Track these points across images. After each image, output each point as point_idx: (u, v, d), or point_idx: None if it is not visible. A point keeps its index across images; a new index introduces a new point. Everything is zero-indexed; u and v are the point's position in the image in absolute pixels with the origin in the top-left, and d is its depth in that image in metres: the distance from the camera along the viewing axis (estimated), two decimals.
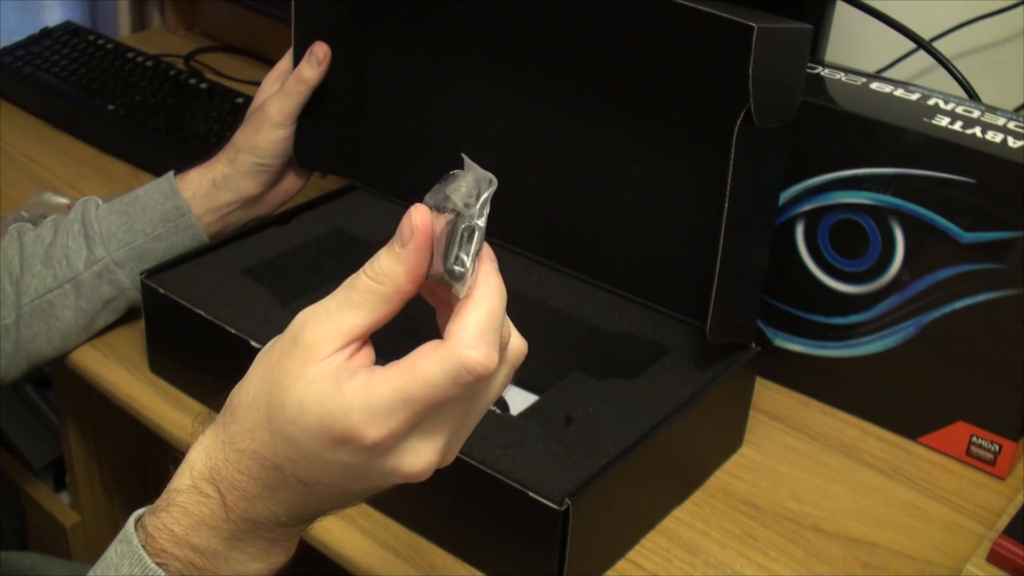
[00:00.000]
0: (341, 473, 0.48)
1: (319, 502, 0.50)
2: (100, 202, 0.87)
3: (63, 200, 1.05)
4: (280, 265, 0.87)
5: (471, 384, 0.46)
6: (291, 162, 0.92)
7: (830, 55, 0.95)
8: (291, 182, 0.94)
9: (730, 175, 0.68)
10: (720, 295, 0.71)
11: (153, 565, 0.49)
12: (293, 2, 0.88)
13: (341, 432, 0.46)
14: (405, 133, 0.95)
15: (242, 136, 0.91)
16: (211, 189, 0.89)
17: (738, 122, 0.67)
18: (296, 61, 0.90)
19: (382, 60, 0.94)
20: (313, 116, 0.91)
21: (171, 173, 0.89)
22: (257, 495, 0.49)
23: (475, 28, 0.87)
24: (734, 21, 0.64)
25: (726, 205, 0.68)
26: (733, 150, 0.67)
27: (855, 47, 1.03)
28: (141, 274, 0.83)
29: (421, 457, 0.48)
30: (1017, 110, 0.96)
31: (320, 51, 0.89)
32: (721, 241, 0.69)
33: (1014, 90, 0.99)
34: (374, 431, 0.46)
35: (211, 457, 0.50)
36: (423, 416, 0.47)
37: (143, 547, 0.50)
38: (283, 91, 0.90)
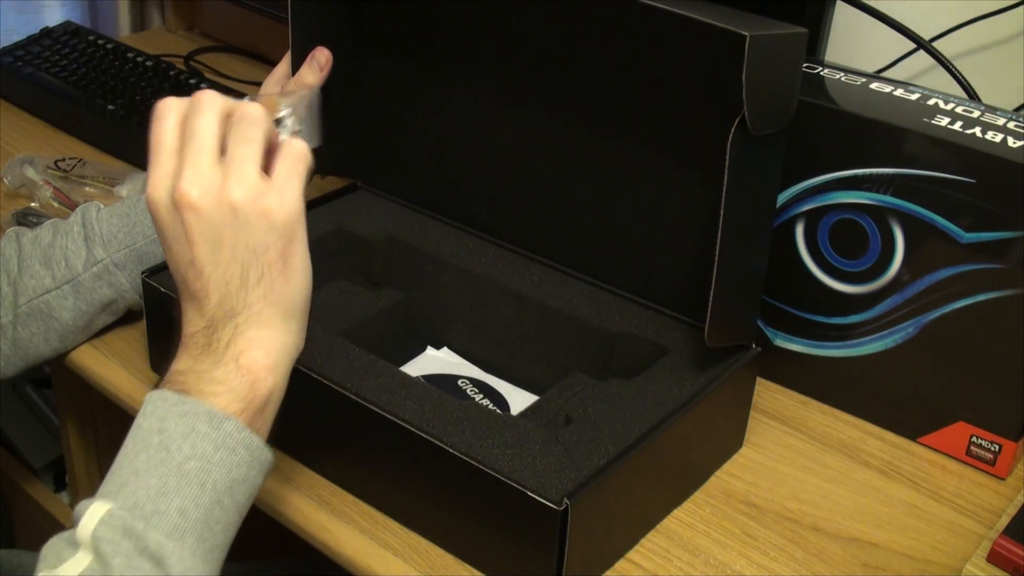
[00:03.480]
0: (177, 235, 0.61)
1: (219, 293, 0.61)
2: (101, 206, 0.87)
3: (37, 178, 1.07)
4: None
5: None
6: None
7: (830, 55, 0.95)
8: None
9: (725, 184, 0.68)
10: (717, 301, 0.71)
11: (153, 389, 0.61)
12: (290, 6, 0.87)
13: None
14: (406, 133, 0.95)
15: None
16: None
17: (732, 130, 0.67)
18: (295, 66, 0.90)
19: (381, 62, 0.94)
20: None
21: None
22: (187, 317, 0.62)
23: (473, 32, 0.87)
24: (727, 30, 0.64)
25: (722, 213, 0.68)
26: (727, 158, 0.67)
27: (855, 47, 1.03)
28: (143, 273, 0.83)
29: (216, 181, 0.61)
30: (1017, 110, 0.96)
31: (322, 56, 0.89)
32: (718, 248, 0.69)
33: (1014, 90, 0.99)
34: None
35: None
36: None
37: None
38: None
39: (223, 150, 0.62)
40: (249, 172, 0.61)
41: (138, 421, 0.59)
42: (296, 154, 0.63)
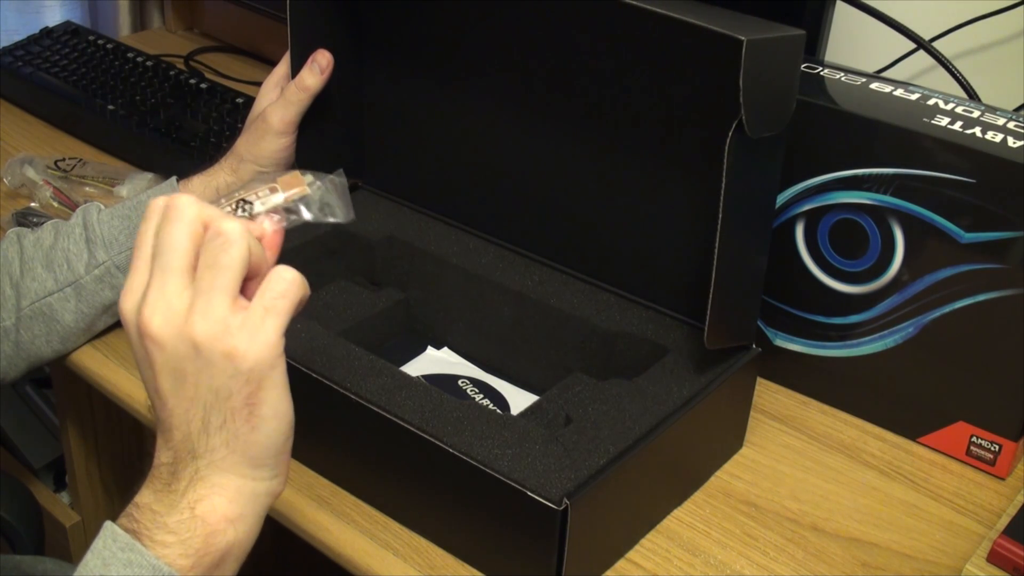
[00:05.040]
0: (144, 360, 0.55)
1: (181, 432, 0.55)
2: (102, 207, 0.87)
3: (37, 179, 1.07)
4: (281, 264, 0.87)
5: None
6: (293, 168, 0.92)
7: (830, 55, 0.95)
8: None
9: (723, 186, 0.68)
10: (717, 304, 0.71)
11: (110, 523, 0.56)
12: (288, 8, 0.87)
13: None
14: (406, 134, 0.95)
15: (244, 145, 0.91)
16: (214, 197, 0.89)
17: (730, 133, 0.67)
18: (294, 68, 0.90)
19: (381, 63, 0.94)
20: (314, 122, 0.91)
21: (174, 178, 0.89)
22: (158, 445, 0.57)
23: (473, 32, 0.87)
24: (724, 35, 0.64)
25: (720, 215, 0.68)
26: (726, 161, 0.67)
27: (855, 47, 1.03)
28: None
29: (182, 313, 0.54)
30: (1017, 110, 0.96)
31: (323, 59, 0.89)
32: (716, 251, 0.69)
33: (1014, 90, 0.99)
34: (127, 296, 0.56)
35: None
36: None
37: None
38: (284, 99, 0.89)
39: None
40: (217, 305, 0.53)
41: (87, 556, 0.56)
42: (279, 289, 0.55)
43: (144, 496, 0.56)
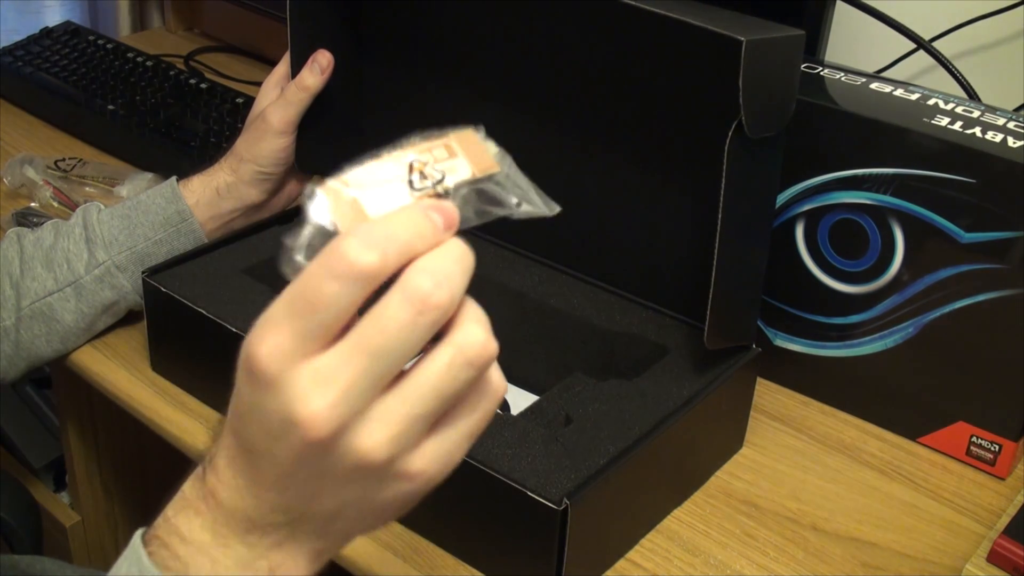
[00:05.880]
0: (277, 434, 0.42)
1: (293, 507, 0.44)
2: (102, 207, 0.87)
3: (37, 179, 1.07)
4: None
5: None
6: (293, 168, 0.92)
7: (830, 55, 0.95)
8: (293, 187, 0.94)
9: (723, 187, 0.68)
10: (717, 304, 0.71)
11: (139, 546, 0.46)
12: (288, 8, 0.87)
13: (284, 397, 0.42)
14: (407, 134, 0.95)
15: (244, 145, 0.91)
16: (214, 197, 0.89)
17: (730, 133, 0.67)
18: (294, 68, 0.90)
19: (380, 63, 0.94)
20: (314, 122, 0.91)
21: (174, 178, 0.90)
22: (231, 482, 0.44)
23: (472, 37, 0.87)
24: (724, 35, 0.64)
25: (720, 216, 0.68)
26: (725, 161, 0.67)
27: (855, 47, 1.03)
28: (143, 273, 0.83)
29: (375, 433, 0.42)
30: (1017, 110, 0.96)
31: (323, 59, 0.89)
32: (716, 252, 0.69)
33: (1014, 90, 0.99)
34: (319, 397, 0.41)
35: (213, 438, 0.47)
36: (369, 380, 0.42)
37: (142, 536, 0.47)
38: (284, 99, 0.89)
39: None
40: (417, 434, 0.44)
41: None
42: (488, 408, 0.45)
43: (197, 532, 0.45)
